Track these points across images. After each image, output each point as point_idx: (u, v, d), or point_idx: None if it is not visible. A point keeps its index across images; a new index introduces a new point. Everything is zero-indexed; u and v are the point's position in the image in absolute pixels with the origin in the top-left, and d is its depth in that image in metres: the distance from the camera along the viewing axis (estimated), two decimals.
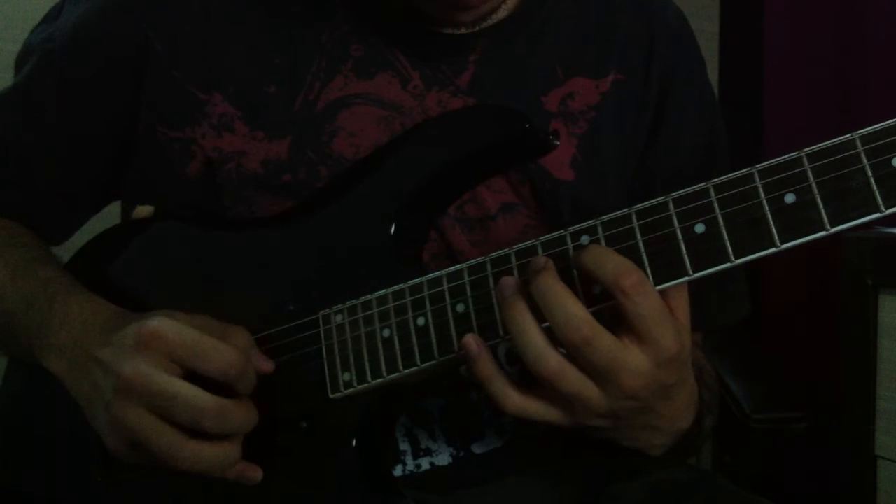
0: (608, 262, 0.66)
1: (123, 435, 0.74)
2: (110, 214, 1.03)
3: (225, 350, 0.74)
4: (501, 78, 0.90)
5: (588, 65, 0.93)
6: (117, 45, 0.90)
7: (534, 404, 0.70)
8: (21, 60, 0.96)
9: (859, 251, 1.37)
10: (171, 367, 0.73)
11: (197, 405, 0.72)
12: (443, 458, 0.91)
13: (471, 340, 0.71)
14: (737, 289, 1.00)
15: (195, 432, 0.73)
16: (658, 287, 0.67)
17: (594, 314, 0.67)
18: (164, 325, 0.73)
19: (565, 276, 0.69)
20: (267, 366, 0.78)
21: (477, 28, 0.90)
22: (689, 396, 0.75)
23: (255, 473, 0.77)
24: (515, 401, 0.70)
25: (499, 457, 0.93)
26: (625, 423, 0.72)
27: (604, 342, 0.66)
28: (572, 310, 0.66)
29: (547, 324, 0.67)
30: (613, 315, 0.68)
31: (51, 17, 0.96)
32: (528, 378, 0.70)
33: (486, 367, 0.70)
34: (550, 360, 0.67)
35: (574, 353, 0.67)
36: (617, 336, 0.67)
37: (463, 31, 0.90)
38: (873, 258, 1.36)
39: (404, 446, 0.90)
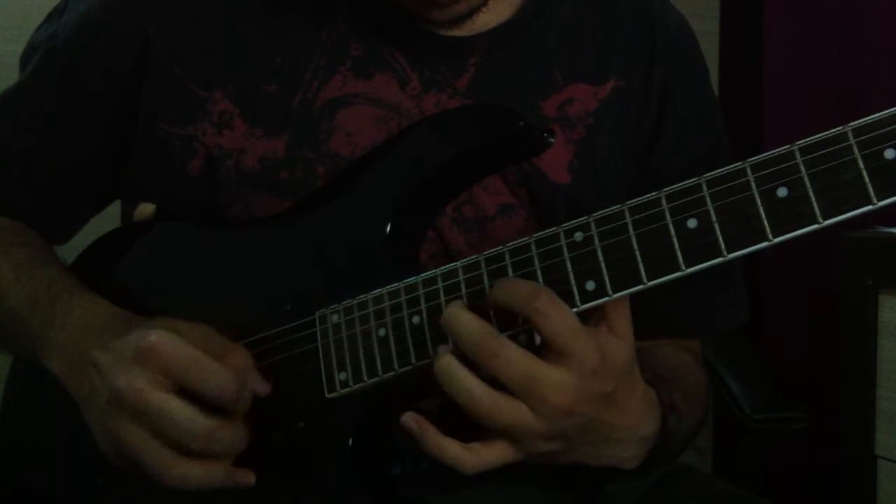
0: (519, 290, 0.69)
1: (115, 445, 0.74)
2: (110, 214, 1.03)
3: (221, 373, 0.73)
4: (500, 81, 0.90)
5: (587, 71, 0.92)
6: (119, 43, 0.90)
7: (487, 454, 0.71)
8: (25, 58, 0.97)
9: (859, 251, 1.37)
10: (166, 384, 0.72)
11: (186, 427, 0.71)
12: None
13: (409, 420, 0.71)
14: (736, 294, 1.00)
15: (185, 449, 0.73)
16: (650, 283, 0.67)
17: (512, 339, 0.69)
18: (163, 341, 0.72)
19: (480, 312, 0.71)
20: (263, 388, 0.77)
21: (477, 31, 0.90)
22: (642, 401, 0.75)
23: (248, 478, 0.76)
24: (471, 461, 0.71)
25: None
26: (578, 441, 0.72)
27: (513, 353, 0.68)
28: (475, 326, 0.69)
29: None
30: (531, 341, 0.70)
31: (54, 14, 0.97)
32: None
33: (433, 440, 0.71)
34: (483, 398, 0.68)
35: (492, 372, 0.68)
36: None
37: (463, 33, 0.90)
38: (873, 258, 1.36)
39: (404, 444, 0.90)
